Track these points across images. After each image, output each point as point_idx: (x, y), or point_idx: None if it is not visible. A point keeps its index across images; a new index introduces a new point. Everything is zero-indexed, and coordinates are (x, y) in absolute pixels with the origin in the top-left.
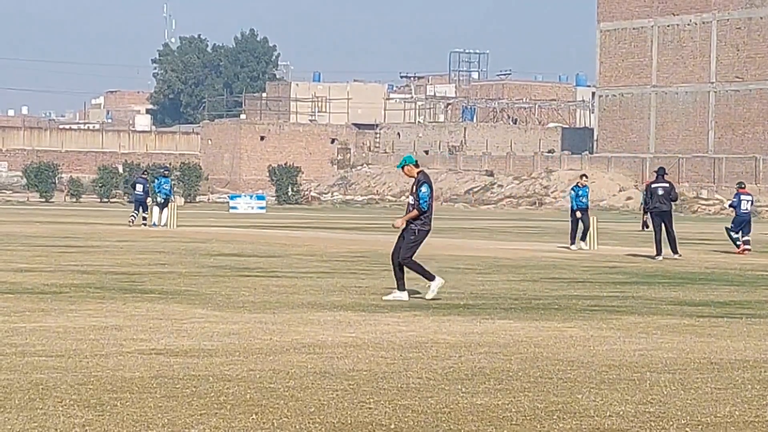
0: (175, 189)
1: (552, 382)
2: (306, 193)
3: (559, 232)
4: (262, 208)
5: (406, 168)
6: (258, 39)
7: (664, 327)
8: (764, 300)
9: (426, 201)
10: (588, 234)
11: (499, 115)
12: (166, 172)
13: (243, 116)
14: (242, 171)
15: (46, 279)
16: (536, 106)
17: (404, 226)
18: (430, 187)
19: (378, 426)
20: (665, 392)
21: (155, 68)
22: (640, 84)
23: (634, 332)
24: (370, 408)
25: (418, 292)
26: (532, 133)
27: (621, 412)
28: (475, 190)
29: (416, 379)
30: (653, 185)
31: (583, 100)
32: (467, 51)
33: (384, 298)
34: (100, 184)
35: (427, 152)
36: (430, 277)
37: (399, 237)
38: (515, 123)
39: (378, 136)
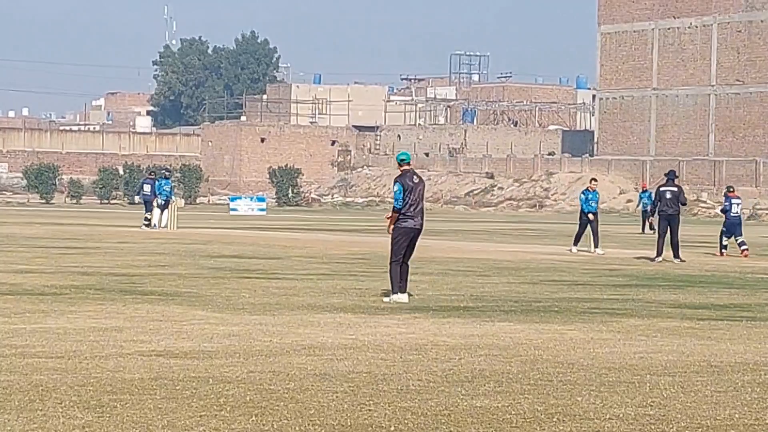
0: (175, 190)
1: (552, 384)
2: (306, 194)
3: (559, 234)
4: (262, 209)
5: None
6: (259, 41)
7: (664, 330)
8: (764, 303)
9: (397, 199)
10: (597, 237)
11: (499, 118)
12: (167, 174)
13: (243, 118)
14: (242, 173)
15: (46, 280)
16: (537, 109)
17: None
18: (402, 185)
19: (377, 428)
20: (665, 395)
21: (156, 70)
22: (640, 87)
23: (634, 335)
24: (369, 410)
25: (410, 294)
26: (532, 136)
27: (621, 415)
28: (476, 192)
29: (416, 381)
30: (662, 188)
31: (584, 103)
32: (468, 53)
33: (384, 300)
34: (101, 186)
35: (427, 154)
36: (394, 290)
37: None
38: (516, 125)
39: (378, 138)
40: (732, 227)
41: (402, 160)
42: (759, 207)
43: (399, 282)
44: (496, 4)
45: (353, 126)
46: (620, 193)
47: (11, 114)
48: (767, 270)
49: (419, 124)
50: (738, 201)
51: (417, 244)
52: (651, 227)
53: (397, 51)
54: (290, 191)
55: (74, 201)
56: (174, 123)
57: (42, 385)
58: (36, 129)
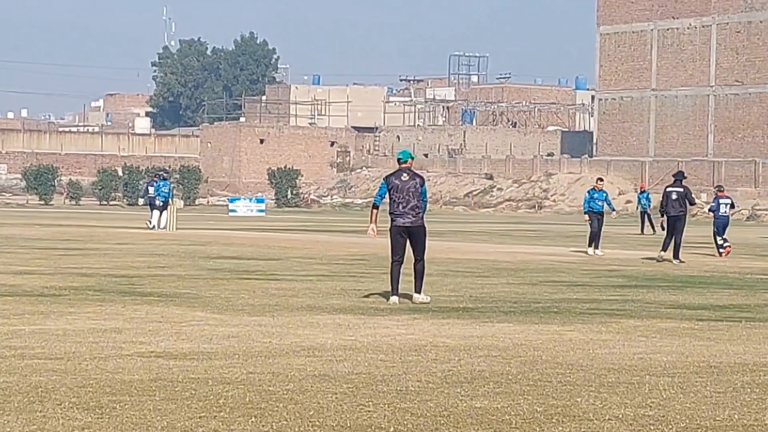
0: (174, 192)
1: (551, 385)
2: (305, 195)
3: (558, 235)
4: (261, 210)
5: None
6: (257, 42)
7: (664, 330)
8: (763, 303)
9: (377, 195)
10: (598, 238)
11: (498, 119)
12: (165, 175)
13: (242, 119)
14: (242, 174)
15: (46, 281)
16: (536, 110)
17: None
18: (386, 182)
19: (377, 429)
20: (664, 396)
21: (155, 71)
22: (639, 87)
23: (633, 335)
24: (369, 411)
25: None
26: (531, 137)
27: (620, 416)
28: (475, 193)
29: (415, 382)
30: (668, 189)
31: (583, 104)
32: (467, 54)
33: (388, 301)
34: (100, 187)
35: (426, 155)
36: (393, 291)
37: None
38: (515, 126)
39: (377, 139)
40: (720, 227)
41: (399, 159)
42: (758, 207)
43: (397, 283)
44: (495, 5)
45: (352, 127)
46: (619, 194)
47: (10, 115)
48: (766, 270)
49: (418, 125)
50: (726, 201)
51: (425, 242)
52: (662, 227)
53: (396, 52)
54: (289, 192)
55: (73, 202)
56: (173, 124)
57: (41, 386)
58: (35, 130)
